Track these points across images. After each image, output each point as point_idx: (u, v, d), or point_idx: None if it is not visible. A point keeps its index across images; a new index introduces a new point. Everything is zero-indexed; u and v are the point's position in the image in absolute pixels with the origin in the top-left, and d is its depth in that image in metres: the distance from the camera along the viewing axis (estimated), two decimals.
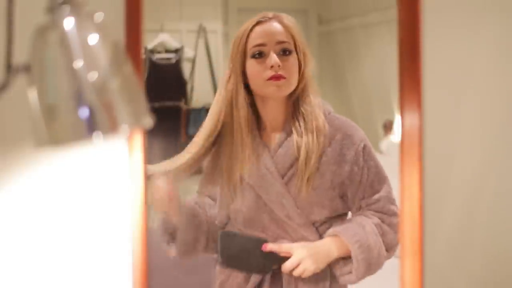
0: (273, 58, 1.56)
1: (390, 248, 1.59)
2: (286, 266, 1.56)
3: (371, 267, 1.56)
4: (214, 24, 2.30)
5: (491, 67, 1.45)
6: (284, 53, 1.58)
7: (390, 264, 1.82)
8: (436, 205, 1.42)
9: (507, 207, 1.47)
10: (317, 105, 1.61)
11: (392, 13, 1.43)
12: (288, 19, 1.61)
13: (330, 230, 1.58)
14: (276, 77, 1.56)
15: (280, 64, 1.56)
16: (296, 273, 1.55)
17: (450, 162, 1.44)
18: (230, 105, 1.59)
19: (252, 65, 1.58)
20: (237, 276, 1.62)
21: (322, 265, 1.56)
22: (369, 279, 2.15)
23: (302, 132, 1.59)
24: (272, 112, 1.61)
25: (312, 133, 1.58)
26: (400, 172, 1.40)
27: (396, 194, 1.43)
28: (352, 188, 1.60)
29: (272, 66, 1.56)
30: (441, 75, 1.42)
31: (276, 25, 1.59)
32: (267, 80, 1.56)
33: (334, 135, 1.60)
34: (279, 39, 1.58)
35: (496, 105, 1.46)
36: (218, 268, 1.66)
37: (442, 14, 1.41)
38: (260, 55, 1.57)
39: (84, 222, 1.28)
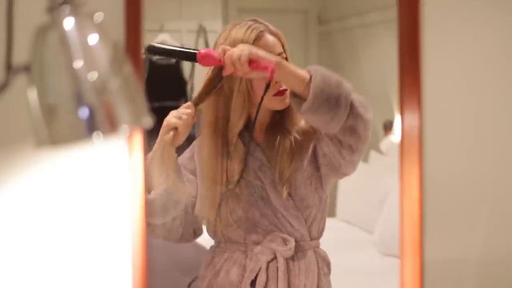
0: None
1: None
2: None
3: (329, 97, 1.45)
4: (214, 24, 2.30)
5: (491, 67, 1.45)
6: None
7: (390, 264, 1.82)
8: (436, 205, 1.42)
9: (508, 206, 1.47)
10: None
11: (392, 13, 1.43)
12: (272, 26, 1.61)
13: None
14: (281, 92, 1.58)
15: None
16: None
17: (450, 162, 1.44)
18: (225, 106, 1.60)
19: (254, 81, 1.58)
20: (233, 268, 1.63)
21: (289, 68, 1.48)
22: (369, 279, 2.15)
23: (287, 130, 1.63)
24: (260, 111, 1.63)
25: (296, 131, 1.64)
26: (400, 172, 1.40)
27: (396, 194, 1.43)
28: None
29: (276, 82, 1.56)
30: (441, 75, 1.42)
31: (270, 38, 1.59)
32: (273, 96, 1.58)
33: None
34: (277, 52, 1.58)
35: (496, 104, 1.46)
36: (211, 257, 1.67)
37: (442, 14, 1.41)
38: None
39: (84, 222, 1.28)
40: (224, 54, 1.48)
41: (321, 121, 1.48)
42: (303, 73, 1.48)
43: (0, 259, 1.25)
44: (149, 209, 1.52)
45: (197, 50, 1.51)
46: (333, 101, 1.44)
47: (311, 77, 1.46)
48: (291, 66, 1.50)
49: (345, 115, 1.46)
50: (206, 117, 1.62)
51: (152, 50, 1.56)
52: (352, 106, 1.46)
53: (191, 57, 1.52)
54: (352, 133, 1.50)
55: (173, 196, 1.60)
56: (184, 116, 1.53)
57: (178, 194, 1.61)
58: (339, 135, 1.52)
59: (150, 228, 1.59)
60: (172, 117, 1.53)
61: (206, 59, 1.51)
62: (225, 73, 1.49)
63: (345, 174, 1.63)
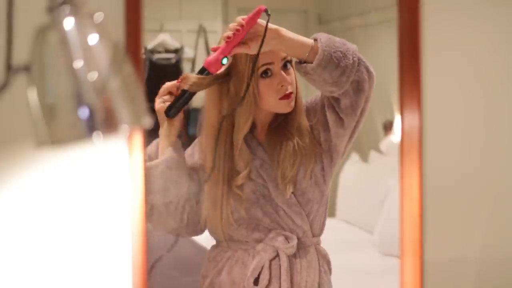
0: (283, 77, 1.57)
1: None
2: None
3: (336, 51, 1.50)
4: (214, 24, 2.30)
5: (491, 67, 1.45)
6: (285, 66, 1.58)
7: (390, 264, 1.82)
8: (436, 205, 1.42)
9: (508, 206, 1.47)
10: (302, 107, 1.64)
11: (392, 13, 1.43)
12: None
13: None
14: (287, 96, 1.58)
15: (289, 81, 1.57)
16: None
17: (450, 162, 1.44)
18: (229, 108, 1.59)
19: (260, 85, 1.58)
20: (235, 266, 1.63)
21: (290, 35, 1.52)
22: (369, 279, 2.15)
23: (290, 132, 1.63)
24: (263, 113, 1.64)
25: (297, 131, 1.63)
26: (400, 172, 1.40)
27: (396, 194, 1.43)
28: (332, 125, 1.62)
29: (282, 86, 1.57)
30: (441, 75, 1.42)
31: None
32: (280, 99, 1.58)
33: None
34: (282, 57, 1.58)
35: (496, 104, 1.46)
36: (213, 256, 1.67)
37: (442, 14, 1.42)
38: (266, 74, 1.57)
39: (84, 222, 1.28)
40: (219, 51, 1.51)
41: (332, 77, 1.50)
42: (306, 39, 1.52)
43: (0, 259, 1.25)
44: (148, 180, 1.51)
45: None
46: (341, 54, 1.49)
47: (315, 40, 1.50)
48: (292, 33, 1.51)
49: (354, 68, 1.50)
50: (211, 118, 1.61)
51: (172, 111, 1.59)
52: (359, 60, 1.51)
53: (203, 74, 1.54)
54: (358, 90, 1.53)
55: (172, 172, 1.59)
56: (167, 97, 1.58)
57: (178, 169, 1.60)
58: (343, 98, 1.54)
59: (150, 212, 1.58)
60: (159, 104, 1.57)
61: (212, 66, 1.52)
62: (235, 49, 1.50)
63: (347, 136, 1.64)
